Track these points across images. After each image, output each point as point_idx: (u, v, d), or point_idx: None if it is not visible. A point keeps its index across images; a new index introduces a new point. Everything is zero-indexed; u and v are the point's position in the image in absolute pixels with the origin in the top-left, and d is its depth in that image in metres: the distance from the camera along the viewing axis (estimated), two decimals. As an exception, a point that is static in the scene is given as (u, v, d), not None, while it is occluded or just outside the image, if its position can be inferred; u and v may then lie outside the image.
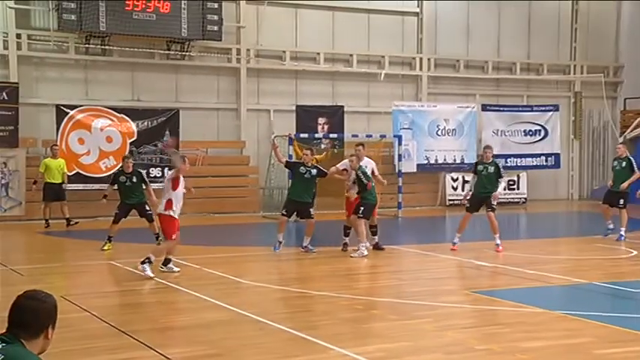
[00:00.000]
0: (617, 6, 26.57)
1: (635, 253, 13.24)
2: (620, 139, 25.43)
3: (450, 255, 13.12)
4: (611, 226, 15.06)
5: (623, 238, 14.60)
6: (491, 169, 13.50)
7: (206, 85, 21.75)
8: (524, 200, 23.99)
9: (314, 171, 13.17)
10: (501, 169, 13.59)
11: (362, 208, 12.85)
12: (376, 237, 13.57)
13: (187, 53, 20.96)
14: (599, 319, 8.07)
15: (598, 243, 14.50)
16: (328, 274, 11.46)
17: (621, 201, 14.93)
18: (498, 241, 13.33)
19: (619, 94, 26.70)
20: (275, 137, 17.96)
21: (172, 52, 20.77)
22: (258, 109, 22.32)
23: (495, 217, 13.54)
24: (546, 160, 24.57)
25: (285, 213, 13.29)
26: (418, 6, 24.03)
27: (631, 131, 24.95)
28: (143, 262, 10.65)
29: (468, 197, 13.73)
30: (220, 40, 20.94)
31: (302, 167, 13.16)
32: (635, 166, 15.07)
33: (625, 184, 14.71)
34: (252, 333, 7.53)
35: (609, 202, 14.98)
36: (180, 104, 21.10)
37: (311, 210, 13.13)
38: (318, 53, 22.72)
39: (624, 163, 15.16)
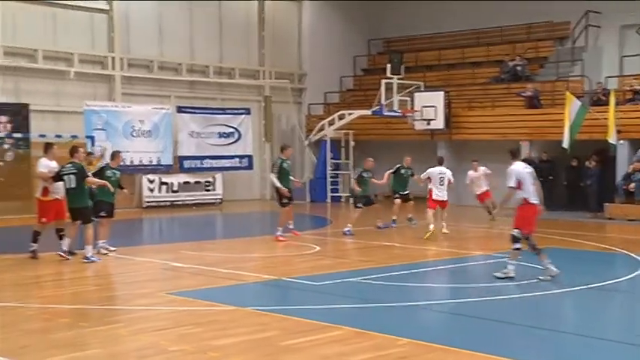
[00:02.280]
0: (298, 14, 28.27)
1: (318, 248, 14.18)
2: (306, 142, 27.22)
3: (146, 257, 13.02)
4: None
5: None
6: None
7: None
8: (219, 201, 24.56)
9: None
10: None
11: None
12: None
13: None
14: (284, 312, 8.54)
15: (290, 240, 15.18)
16: (12, 283, 10.65)
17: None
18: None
19: (303, 100, 28.47)
20: None
21: None
22: None
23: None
24: (240, 162, 25.37)
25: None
26: (107, 4, 23.37)
27: (314, 134, 26.77)
28: None
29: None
30: None
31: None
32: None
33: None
34: None
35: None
36: None
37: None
38: (-2, 46, 21.04)
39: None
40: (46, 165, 12.85)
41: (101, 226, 13.44)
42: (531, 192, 10.69)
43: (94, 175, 13.19)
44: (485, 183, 19.07)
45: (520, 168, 10.79)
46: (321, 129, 26.39)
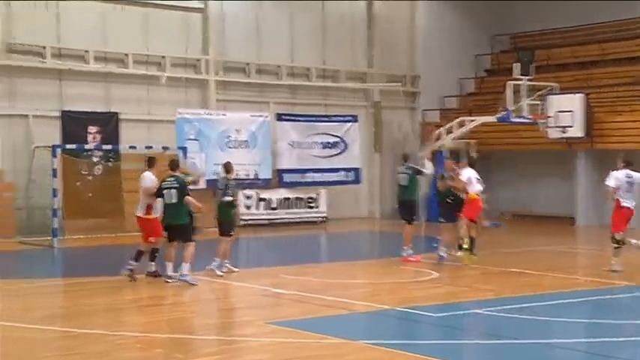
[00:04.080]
0: (411, 13, 28.19)
1: (435, 274, 13.99)
2: (421, 153, 26.91)
3: (244, 282, 13.24)
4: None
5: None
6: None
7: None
8: (323, 219, 24.69)
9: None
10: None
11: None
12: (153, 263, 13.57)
13: None
14: (398, 347, 8.47)
15: (400, 265, 15.18)
16: (105, 308, 11.11)
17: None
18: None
19: (417, 105, 28.28)
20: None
21: None
22: (11, 115, 21.09)
23: None
24: (346, 175, 25.42)
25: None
26: (202, 3, 24.05)
27: (430, 144, 26.45)
28: None
29: None
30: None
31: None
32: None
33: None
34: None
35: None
36: None
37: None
38: (87, 51, 21.99)
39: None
40: (152, 179, 13.35)
41: (224, 245, 13.87)
42: None
43: (224, 192, 13.81)
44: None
45: None
46: (438, 138, 26.15)
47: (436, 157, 26.15)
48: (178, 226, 12.98)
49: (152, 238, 13.19)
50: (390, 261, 15.74)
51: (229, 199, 13.97)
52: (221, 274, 13.64)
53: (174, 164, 13.34)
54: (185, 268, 12.77)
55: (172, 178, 13.04)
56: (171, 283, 12.85)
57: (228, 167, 14.39)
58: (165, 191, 12.97)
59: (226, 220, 13.99)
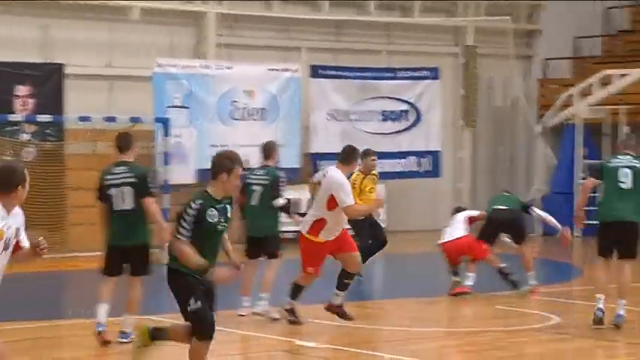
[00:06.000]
0: None
1: (557, 319, 14.03)
2: (538, 128, 26.60)
3: (248, 330, 13.31)
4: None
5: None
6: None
7: None
8: (382, 232, 24.46)
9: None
10: None
11: None
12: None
13: None
14: None
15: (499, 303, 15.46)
16: None
17: None
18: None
19: (535, 52, 28.13)
20: None
21: None
22: None
23: None
24: (419, 164, 25.34)
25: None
26: None
27: (554, 115, 26.14)
28: None
29: None
30: None
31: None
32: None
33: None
34: None
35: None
36: None
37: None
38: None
39: None
40: None
41: (271, 272, 14.11)
42: None
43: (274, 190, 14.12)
44: None
45: None
46: (567, 104, 25.80)
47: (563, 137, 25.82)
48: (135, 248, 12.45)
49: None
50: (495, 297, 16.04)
51: (283, 202, 14.16)
52: (277, 316, 13.69)
53: (125, 141, 12.64)
54: (128, 321, 12.18)
55: (123, 168, 12.51)
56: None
57: (269, 149, 14.47)
58: (112, 190, 12.45)
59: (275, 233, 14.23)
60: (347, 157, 13.37)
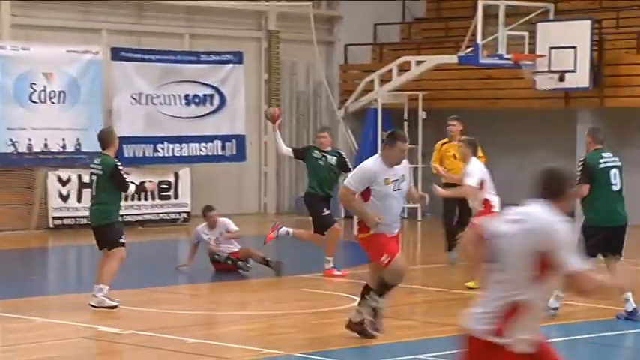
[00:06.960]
0: None
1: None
2: (340, 113, 26.86)
3: (54, 318, 13.22)
4: None
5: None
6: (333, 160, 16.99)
7: None
8: (186, 217, 24.57)
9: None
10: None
11: None
12: None
13: None
14: None
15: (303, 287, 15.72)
16: None
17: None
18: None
19: (337, 38, 28.38)
20: None
21: None
22: None
23: None
24: (224, 148, 25.35)
25: None
26: None
27: (355, 100, 26.41)
28: None
29: None
30: None
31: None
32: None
33: None
34: None
35: None
36: None
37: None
38: None
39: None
40: None
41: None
42: None
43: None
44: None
45: None
46: (368, 89, 26.14)
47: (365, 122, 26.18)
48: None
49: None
50: (304, 279, 16.29)
51: (134, 188, 15.17)
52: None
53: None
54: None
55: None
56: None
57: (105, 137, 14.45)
58: None
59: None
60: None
